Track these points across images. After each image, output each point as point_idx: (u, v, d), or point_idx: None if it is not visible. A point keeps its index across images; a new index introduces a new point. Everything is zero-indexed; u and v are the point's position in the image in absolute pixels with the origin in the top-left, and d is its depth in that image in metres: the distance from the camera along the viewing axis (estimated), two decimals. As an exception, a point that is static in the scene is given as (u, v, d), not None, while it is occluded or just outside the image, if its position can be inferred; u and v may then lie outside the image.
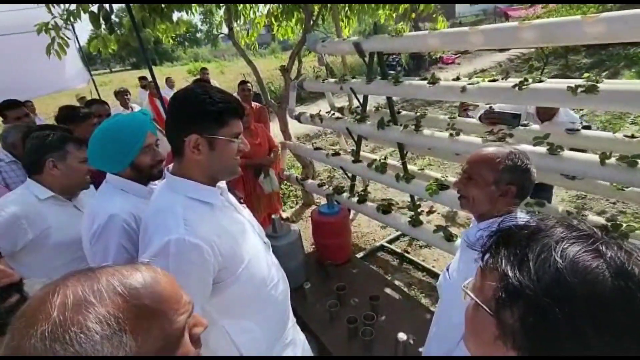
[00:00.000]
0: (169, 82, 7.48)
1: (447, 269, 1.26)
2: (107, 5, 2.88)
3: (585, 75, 1.86)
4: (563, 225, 0.46)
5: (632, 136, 1.88)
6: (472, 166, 1.15)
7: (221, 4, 3.77)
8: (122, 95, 5.20)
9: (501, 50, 15.27)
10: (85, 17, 2.98)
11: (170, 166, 1.08)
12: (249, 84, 3.98)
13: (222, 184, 1.14)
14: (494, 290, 0.46)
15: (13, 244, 1.40)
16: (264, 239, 1.25)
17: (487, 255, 0.51)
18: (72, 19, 2.96)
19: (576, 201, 4.08)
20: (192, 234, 0.93)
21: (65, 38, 3.11)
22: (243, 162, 2.98)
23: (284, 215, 4.13)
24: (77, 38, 6.50)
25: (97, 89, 7.69)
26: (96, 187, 1.33)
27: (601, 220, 1.69)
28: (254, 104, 4.00)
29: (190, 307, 0.51)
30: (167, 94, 5.41)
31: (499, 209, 1.11)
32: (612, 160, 1.55)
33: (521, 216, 1.15)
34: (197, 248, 0.93)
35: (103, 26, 2.98)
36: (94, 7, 2.92)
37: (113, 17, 3.08)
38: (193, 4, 3.65)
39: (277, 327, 1.21)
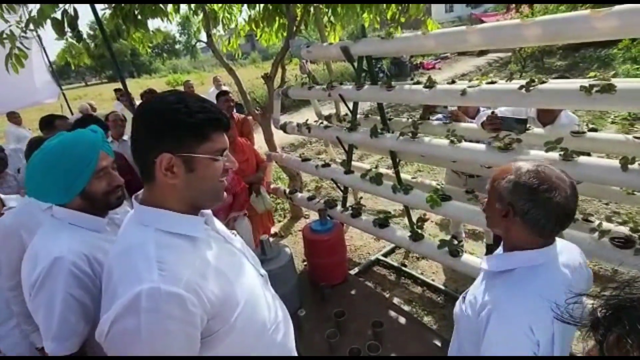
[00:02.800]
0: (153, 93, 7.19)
1: (464, 297, 1.09)
2: (72, 11, 2.63)
3: (592, 74, 1.75)
4: None
5: (643, 137, 1.77)
6: (491, 181, 1.01)
7: (199, 10, 3.57)
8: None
9: (479, 55, 15.63)
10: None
11: (140, 193, 0.86)
12: (230, 94, 3.76)
13: (206, 209, 0.93)
14: None
15: (9, 255, 1.33)
16: (261, 270, 1.03)
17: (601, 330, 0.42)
18: (33, 27, 2.68)
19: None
20: (169, 280, 0.71)
21: (24, 49, 2.82)
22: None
23: (273, 230, 3.89)
24: (44, 50, 6.15)
25: (68, 104, 7.30)
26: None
27: (625, 230, 1.56)
28: (235, 114, 3.77)
29: None
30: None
31: (517, 236, 0.95)
32: (636, 165, 1.42)
33: (565, 251, 0.98)
34: (177, 298, 0.71)
35: (69, 34, 2.72)
36: (58, 14, 2.66)
37: (88, 29, 2.83)
38: (169, 9, 3.43)
39: None
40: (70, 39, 2.94)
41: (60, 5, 2.56)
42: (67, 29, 2.74)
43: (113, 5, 2.87)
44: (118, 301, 0.71)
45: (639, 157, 1.61)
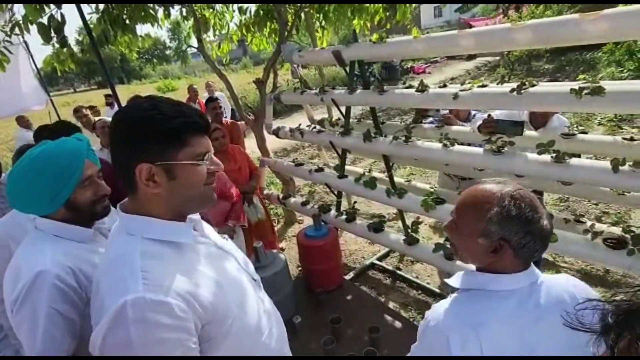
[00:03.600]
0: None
1: None
2: (58, 16, 2.58)
3: (581, 76, 1.77)
4: None
5: (632, 139, 1.79)
6: (459, 209, 0.89)
7: (190, 16, 3.55)
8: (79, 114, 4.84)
9: (468, 59, 15.86)
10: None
11: (125, 202, 0.84)
12: (218, 101, 3.69)
13: (195, 215, 0.91)
14: None
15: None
16: (254, 275, 1.02)
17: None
18: (18, 31, 2.63)
19: (559, 204, 4.07)
20: (153, 289, 0.70)
21: (7, 53, 2.76)
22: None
23: (281, 245, 3.80)
24: (32, 56, 6.05)
25: (57, 111, 7.18)
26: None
27: (617, 230, 1.57)
28: (224, 120, 3.73)
29: None
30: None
31: (502, 267, 0.83)
32: (626, 166, 1.43)
33: (553, 288, 0.84)
34: (164, 306, 0.70)
35: (55, 39, 2.67)
36: (44, 18, 2.61)
37: (76, 35, 2.78)
38: (160, 15, 3.40)
39: None
40: (55, 44, 2.89)
41: (47, 10, 2.51)
42: (53, 34, 2.70)
43: (101, 10, 2.83)
44: (106, 314, 0.70)
45: (628, 157, 1.63)
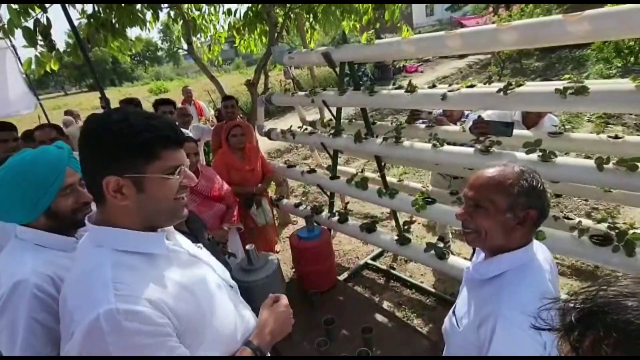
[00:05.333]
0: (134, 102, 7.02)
1: (454, 312, 1.08)
2: (44, 20, 2.55)
3: (566, 76, 1.79)
4: None
5: (617, 137, 1.82)
6: (479, 191, 0.94)
7: (179, 19, 3.53)
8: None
9: (460, 57, 15.95)
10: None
11: (94, 213, 0.83)
12: (233, 100, 3.53)
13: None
14: None
15: None
16: (230, 282, 1.02)
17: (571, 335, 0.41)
18: (2, 35, 2.59)
19: (551, 200, 4.11)
20: (127, 299, 0.70)
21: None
22: (233, 189, 2.70)
23: (276, 247, 3.80)
24: (19, 60, 5.96)
25: (46, 115, 7.09)
26: None
27: (602, 227, 1.60)
28: (240, 120, 3.63)
29: None
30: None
31: (515, 239, 0.94)
32: (610, 165, 1.46)
33: (539, 248, 1.00)
34: (140, 315, 0.69)
35: (40, 43, 2.64)
36: (30, 22, 2.58)
37: (66, 37, 2.75)
38: (149, 18, 3.37)
39: None
40: (41, 48, 2.85)
41: (32, 14, 2.48)
42: (39, 38, 2.66)
43: (87, 14, 2.80)
44: (77, 329, 0.68)
45: (614, 155, 1.66)
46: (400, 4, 3.41)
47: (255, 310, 1.08)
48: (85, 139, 0.77)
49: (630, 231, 1.45)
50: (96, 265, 0.74)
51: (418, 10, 29.69)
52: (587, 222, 1.89)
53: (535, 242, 1.00)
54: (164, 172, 0.78)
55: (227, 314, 0.90)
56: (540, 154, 1.61)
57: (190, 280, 0.84)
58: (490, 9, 12.85)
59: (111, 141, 0.74)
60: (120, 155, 0.74)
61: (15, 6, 2.33)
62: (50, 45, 2.61)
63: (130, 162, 0.75)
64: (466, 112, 2.75)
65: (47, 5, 2.52)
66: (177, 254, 0.87)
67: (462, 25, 19.18)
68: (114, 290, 0.70)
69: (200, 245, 1.02)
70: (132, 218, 0.79)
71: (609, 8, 1.41)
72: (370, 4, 3.46)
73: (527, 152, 1.66)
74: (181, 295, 0.79)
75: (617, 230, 1.47)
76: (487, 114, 2.15)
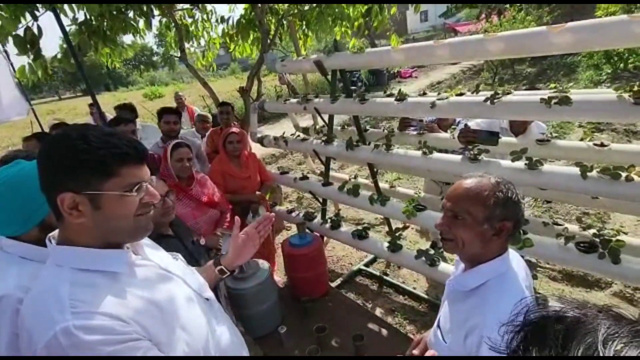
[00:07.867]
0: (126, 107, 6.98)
1: (438, 325, 1.09)
2: (35, 28, 2.55)
3: (552, 85, 1.83)
4: (609, 317, 0.38)
5: (602, 144, 1.85)
6: (457, 203, 0.97)
7: (171, 25, 3.54)
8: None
9: (454, 63, 16.12)
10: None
11: (55, 233, 0.82)
12: (229, 106, 3.52)
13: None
14: None
15: None
16: (204, 294, 1.00)
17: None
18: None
19: (542, 206, 4.16)
20: (84, 316, 0.69)
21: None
22: (228, 197, 2.68)
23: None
24: (12, 66, 5.93)
25: (39, 121, 7.04)
26: None
27: (588, 234, 1.62)
28: (235, 127, 3.62)
29: None
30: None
31: (492, 249, 0.97)
32: (594, 173, 1.48)
33: (514, 257, 1.03)
34: (98, 329, 0.68)
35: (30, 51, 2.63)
36: (21, 30, 2.58)
37: (60, 42, 2.74)
38: (141, 26, 3.38)
39: None
40: (30, 55, 2.83)
41: (23, 21, 2.48)
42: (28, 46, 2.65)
43: (79, 22, 2.80)
44: (37, 347, 0.67)
45: (599, 162, 1.68)
46: (388, 13, 3.44)
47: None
48: (43, 155, 0.76)
49: (615, 238, 1.47)
50: (53, 284, 0.73)
51: (412, 16, 30.03)
52: (574, 228, 1.92)
53: (509, 250, 1.03)
54: (122, 190, 0.77)
55: (199, 329, 0.88)
56: (527, 161, 1.63)
57: (157, 295, 0.82)
58: (483, 15, 13.01)
59: (66, 158, 0.73)
60: (75, 172, 0.74)
61: (5, 15, 2.33)
62: (36, 53, 2.60)
63: (86, 179, 0.74)
64: (457, 120, 2.79)
65: (38, 13, 2.52)
66: (144, 268, 0.86)
67: (456, 31, 19.41)
68: (70, 308, 0.69)
69: (177, 255, 1.00)
70: (91, 235, 0.78)
71: (590, 20, 1.44)
72: (359, 11, 3.49)
73: (514, 160, 1.69)
74: (147, 309, 0.77)
75: (601, 238, 1.49)
76: (477, 122, 2.17)
